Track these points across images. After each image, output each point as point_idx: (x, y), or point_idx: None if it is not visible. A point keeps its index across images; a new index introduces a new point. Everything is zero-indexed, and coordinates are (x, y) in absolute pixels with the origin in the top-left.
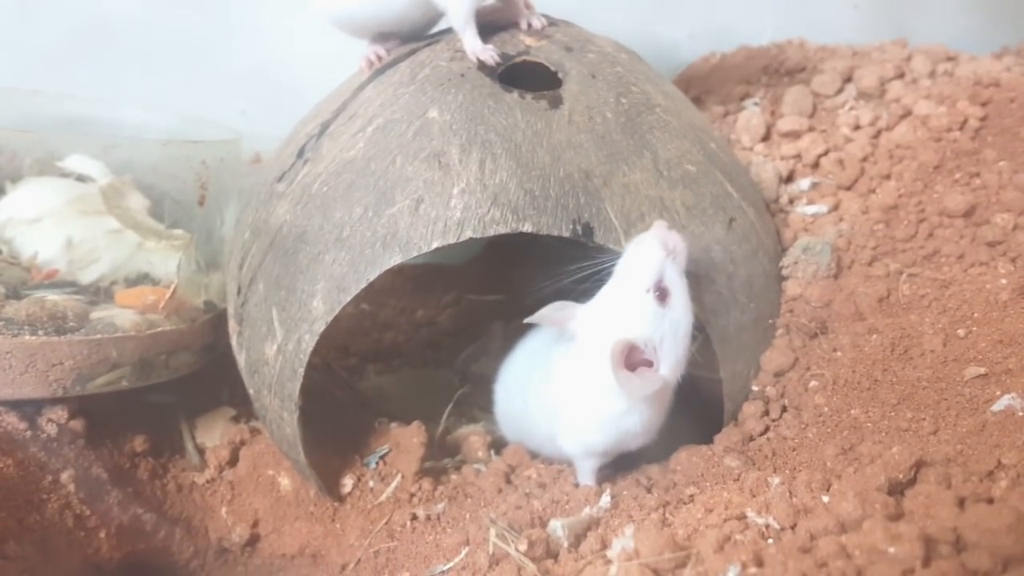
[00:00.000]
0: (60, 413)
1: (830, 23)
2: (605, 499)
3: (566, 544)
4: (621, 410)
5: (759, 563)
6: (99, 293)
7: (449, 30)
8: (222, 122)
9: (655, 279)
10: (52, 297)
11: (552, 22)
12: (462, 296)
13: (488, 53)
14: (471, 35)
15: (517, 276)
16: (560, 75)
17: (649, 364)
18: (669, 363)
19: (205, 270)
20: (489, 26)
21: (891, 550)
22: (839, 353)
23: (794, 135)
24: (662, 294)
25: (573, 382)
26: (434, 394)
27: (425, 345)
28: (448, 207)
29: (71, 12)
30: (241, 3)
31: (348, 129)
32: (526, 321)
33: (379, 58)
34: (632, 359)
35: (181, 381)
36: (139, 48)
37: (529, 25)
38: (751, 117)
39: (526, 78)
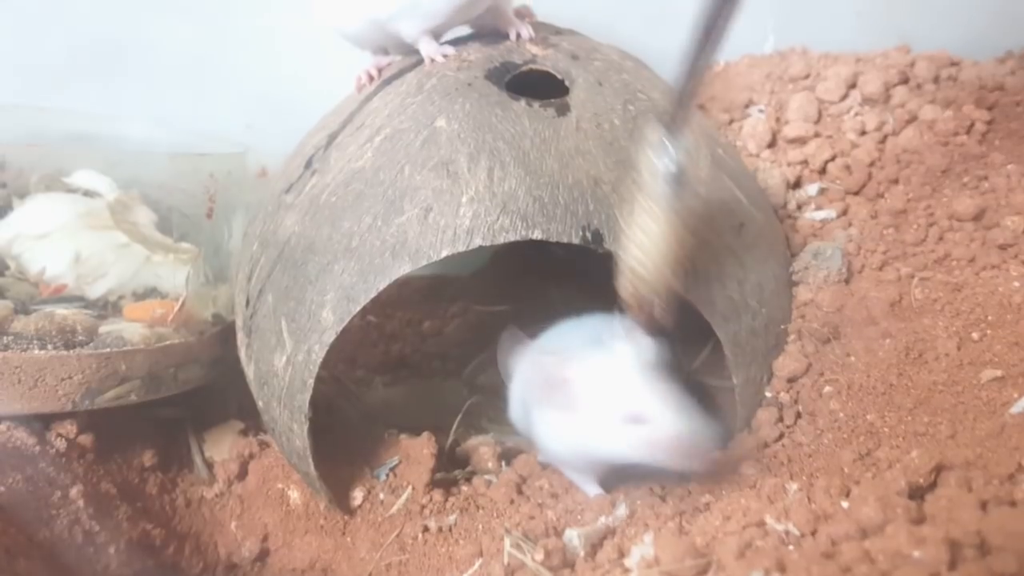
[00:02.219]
0: (69, 428)
1: (833, 30)
2: (620, 508)
3: (582, 553)
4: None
5: (782, 569)
6: (107, 307)
7: (454, 42)
8: (228, 136)
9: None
10: (61, 311)
11: (557, 31)
12: (469, 307)
13: (441, 51)
14: (425, 43)
15: (523, 286)
16: (567, 83)
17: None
18: (577, 430)
19: (213, 283)
20: (490, 32)
21: (916, 554)
22: (852, 358)
23: (800, 141)
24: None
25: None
26: (443, 405)
27: (433, 356)
28: (457, 215)
29: (78, 29)
30: (246, 18)
31: (356, 139)
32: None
33: (372, 76)
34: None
35: (190, 394)
36: (145, 64)
37: (518, 36)
38: (756, 124)
39: (533, 87)
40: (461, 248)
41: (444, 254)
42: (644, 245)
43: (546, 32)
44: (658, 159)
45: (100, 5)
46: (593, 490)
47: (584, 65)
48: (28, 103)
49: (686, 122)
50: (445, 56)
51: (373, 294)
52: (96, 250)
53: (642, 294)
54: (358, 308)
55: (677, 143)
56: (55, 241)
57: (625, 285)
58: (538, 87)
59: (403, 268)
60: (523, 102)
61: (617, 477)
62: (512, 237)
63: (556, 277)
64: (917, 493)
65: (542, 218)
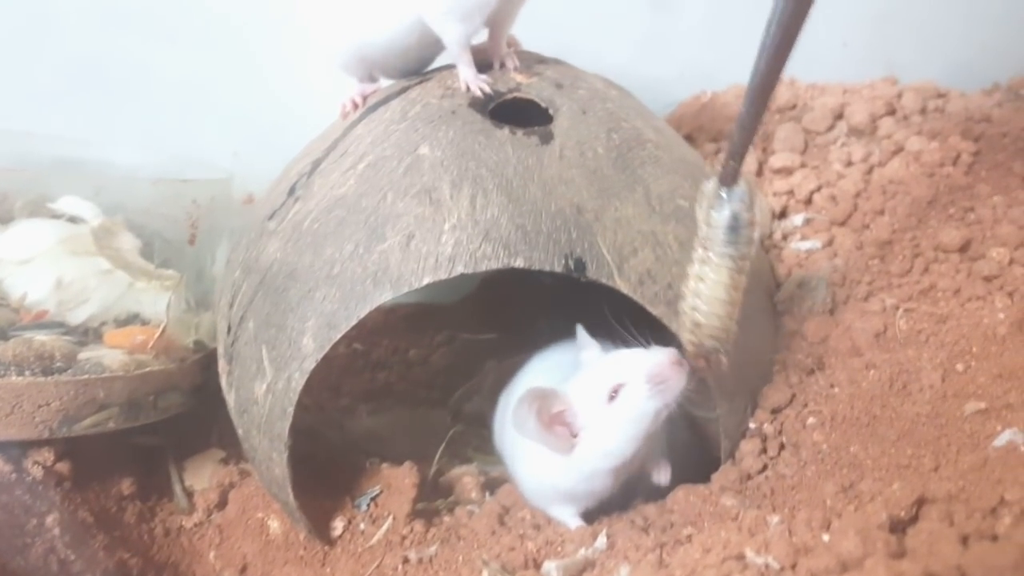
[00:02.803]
0: (46, 455)
1: (820, 61)
2: (600, 540)
3: None
4: (532, 453)
5: None
6: (88, 333)
7: (440, 68)
8: (215, 163)
9: (616, 380)
10: (40, 338)
11: (542, 60)
12: (455, 335)
13: (480, 83)
14: (466, 64)
15: (511, 314)
16: (551, 111)
17: (572, 433)
18: (587, 448)
19: (195, 309)
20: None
21: None
22: (836, 389)
23: (786, 171)
24: (612, 396)
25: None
26: (427, 434)
27: (418, 385)
28: (439, 243)
29: (64, 53)
30: (234, 45)
31: (339, 166)
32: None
33: (357, 104)
34: (559, 418)
35: (170, 422)
36: (133, 90)
37: (502, 65)
38: None
39: (517, 115)
40: (443, 276)
41: (426, 281)
42: (703, 294)
43: (531, 61)
44: (714, 210)
45: (88, 30)
46: (575, 522)
47: (568, 94)
48: (14, 127)
49: (739, 172)
50: (482, 91)
51: (354, 321)
52: (78, 276)
53: (702, 343)
54: (339, 335)
55: (732, 193)
56: (37, 267)
57: (685, 334)
58: (522, 115)
59: (384, 295)
60: (507, 130)
61: (600, 508)
62: (494, 265)
63: (543, 305)
64: (898, 526)
65: (524, 246)
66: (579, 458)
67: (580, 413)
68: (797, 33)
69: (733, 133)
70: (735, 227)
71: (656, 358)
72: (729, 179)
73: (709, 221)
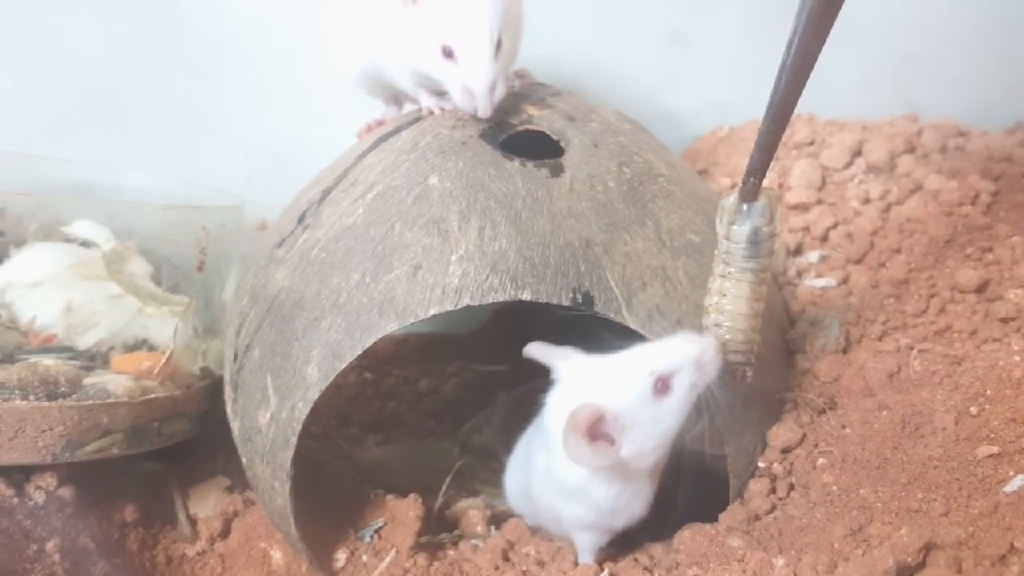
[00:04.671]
0: (49, 480)
1: (839, 97)
2: None
3: None
4: (581, 478)
5: None
6: (96, 358)
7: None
8: (229, 189)
9: (666, 369)
10: (46, 362)
11: (556, 92)
12: (466, 366)
13: (440, 104)
14: (424, 97)
15: (522, 346)
16: (562, 144)
17: (611, 440)
18: (632, 449)
19: (203, 336)
20: None
21: None
22: (848, 430)
23: (802, 207)
24: (663, 387)
25: (545, 440)
26: (435, 466)
27: (428, 415)
28: (446, 274)
29: (79, 79)
30: (248, 71)
31: (349, 195)
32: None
33: (372, 126)
34: (596, 430)
35: (175, 449)
36: (147, 116)
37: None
38: None
39: (528, 147)
40: (449, 307)
41: (432, 313)
42: (725, 309)
43: (544, 93)
44: (735, 225)
45: (102, 57)
46: (585, 557)
47: (580, 126)
48: (29, 152)
49: (760, 188)
50: (443, 109)
51: (359, 351)
52: (88, 301)
53: (728, 357)
54: (344, 365)
55: (752, 208)
56: (47, 290)
57: None
58: (533, 147)
59: (390, 326)
60: (517, 162)
61: (611, 545)
62: (501, 297)
63: (556, 338)
64: (905, 572)
65: (532, 278)
66: (624, 464)
67: (621, 416)
68: (817, 53)
69: (754, 150)
70: (756, 241)
71: (700, 343)
72: (750, 195)
73: (730, 236)
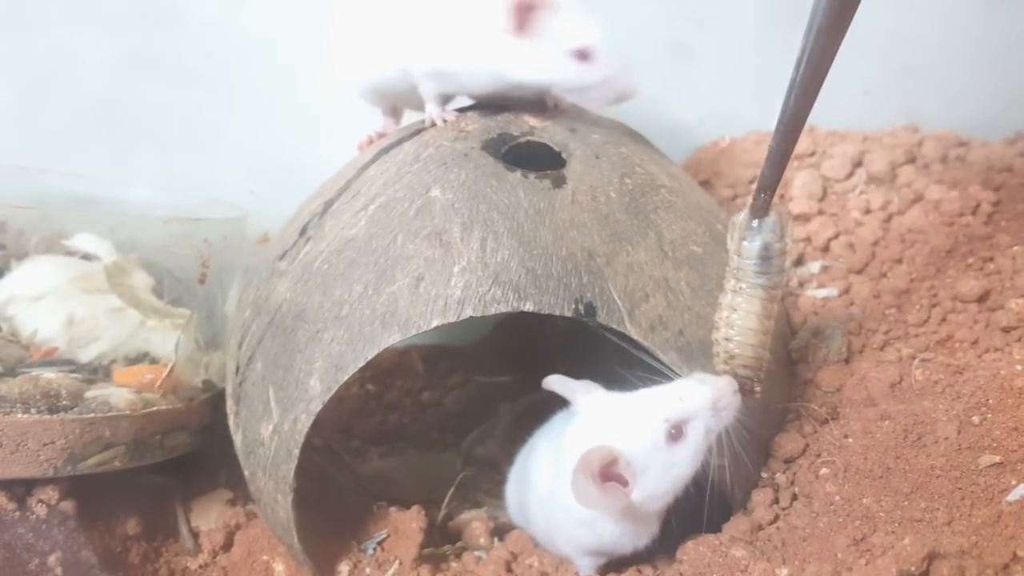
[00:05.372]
0: (51, 493)
1: (840, 108)
2: None
3: None
4: (588, 514)
5: None
6: (98, 371)
7: (455, 111)
8: (231, 201)
9: (680, 417)
10: (47, 375)
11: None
12: (469, 377)
13: (443, 115)
14: (432, 106)
15: (526, 357)
16: (564, 155)
17: (623, 482)
18: (644, 494)
19: (205, 349)
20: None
21: None
22: (850, 439)
23: (803, 218)
24: (677, 434)
25: (554, 470)
26: (438, 477)
27: (430, 427)
28: (448, 285)
29: (82, 91)
30: (250, 84)
31: (351, 207)
32: (544, 385)
33: (373, 138)
34: (608, 471)
35: (177, 462)
36: (150, 128)
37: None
38: None
39: (530, 158)
40: (452, 319)
41: (434, 324)
42: (736, 324)
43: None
44: (746, 240)
45: (106, 68)
46: (586, 571)
47: (582, 138)
48: (31, 164)
49: (770, 204)
50: (445, 121)
51: (361, 363)
52: (89, 313)
53: (736, 373)
54: (346, 377)
55: (763, 223)
56: (49, 303)
57: (719, 365)
58: (535, 159)
59: (392, 338)
60: (519, 173)
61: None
62: (503, 308)
63: (559, 349)
64: None
65: (534, 290)
66: (635, 507)
67: (634, 460)
68: (826, 70)
69: (764, 166)
70: (767, 257)
71: (718, 386)
72: (760, 211)
73: (740, 252)
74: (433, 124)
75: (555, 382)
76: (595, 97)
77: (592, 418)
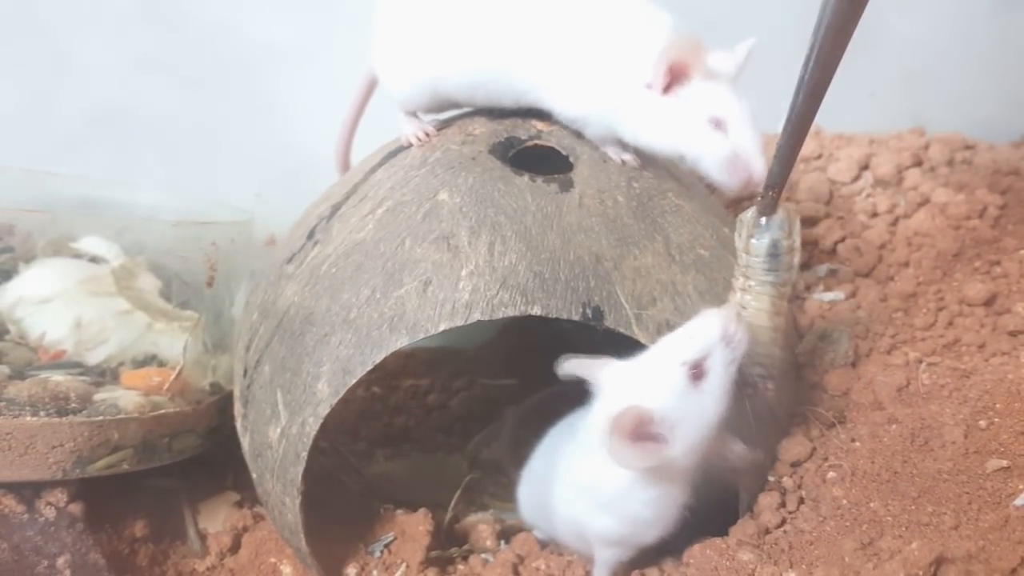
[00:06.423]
0: (59, 496)
1: (847, 111)
2: None
3: None
4: (623, 483)
5: None
6: (106, 374)
7: (461, 116)
8: (238, 204)
9: (696, 355)
10: (56, 378)
11: None
12: (475, 380)
13: (416, 131)
14: (405, 123)
15: (531, 360)
16: (571, 159)
17: (658, 440)
18: (684, 444)
19: (213, 352)
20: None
21: None
22: (857, 443)
23: (810, 221)
24: (698, 373)
25: (581, 449)
26: (444, 480)
27: (436, 430)
28: (456, 289)
29: (89, 95)
30: (258, 87)
31: (358, 211)
32: (559, 373)
33: (421, 136)
34: (642, 432)
35: (185, 464)
36: (157, 131)
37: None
38: None
39: (538, 162)
40: (459, 322)
41: (442, 328)
42: (746, 321)
43: None
44: (754, 238)
45: (114, 72)
46: (603, 572)
47: (589, 141)
48: (38, 168)
49: (778, 201)
50: (419, 139)
51: (369, 367)
52: (97, 316)
53: (747, 371)
54: (354, 380)
55: (771, 221)
56: (57, 306)
57: None
58: (543, 163)
59: (400, 341)
60: (526, 177)
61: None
62: (511, 312)
63: (564, 352)
64: None
65: (542, 293)
66: (671, 464)
67: (667, 414)
68: (835, 68)
69: (772, 164)
70: (775, 254)
71: (721, 316)
72: (768, 209)
73: (749, 249)
74: (410, 144)
75: (572, 365)
76: (714, 169)
77: (614, 387)
